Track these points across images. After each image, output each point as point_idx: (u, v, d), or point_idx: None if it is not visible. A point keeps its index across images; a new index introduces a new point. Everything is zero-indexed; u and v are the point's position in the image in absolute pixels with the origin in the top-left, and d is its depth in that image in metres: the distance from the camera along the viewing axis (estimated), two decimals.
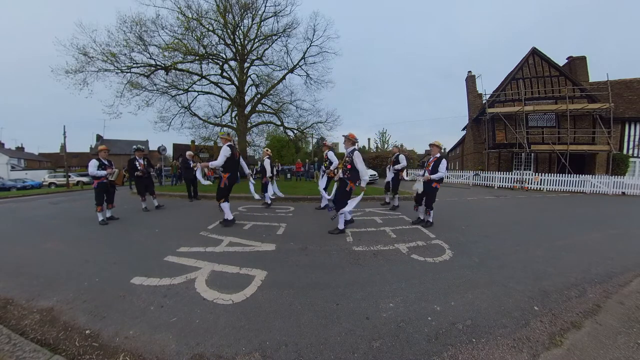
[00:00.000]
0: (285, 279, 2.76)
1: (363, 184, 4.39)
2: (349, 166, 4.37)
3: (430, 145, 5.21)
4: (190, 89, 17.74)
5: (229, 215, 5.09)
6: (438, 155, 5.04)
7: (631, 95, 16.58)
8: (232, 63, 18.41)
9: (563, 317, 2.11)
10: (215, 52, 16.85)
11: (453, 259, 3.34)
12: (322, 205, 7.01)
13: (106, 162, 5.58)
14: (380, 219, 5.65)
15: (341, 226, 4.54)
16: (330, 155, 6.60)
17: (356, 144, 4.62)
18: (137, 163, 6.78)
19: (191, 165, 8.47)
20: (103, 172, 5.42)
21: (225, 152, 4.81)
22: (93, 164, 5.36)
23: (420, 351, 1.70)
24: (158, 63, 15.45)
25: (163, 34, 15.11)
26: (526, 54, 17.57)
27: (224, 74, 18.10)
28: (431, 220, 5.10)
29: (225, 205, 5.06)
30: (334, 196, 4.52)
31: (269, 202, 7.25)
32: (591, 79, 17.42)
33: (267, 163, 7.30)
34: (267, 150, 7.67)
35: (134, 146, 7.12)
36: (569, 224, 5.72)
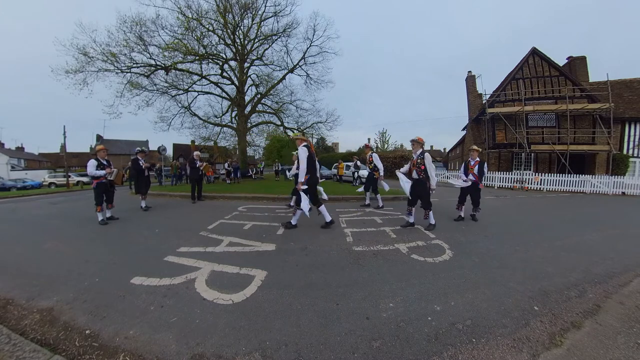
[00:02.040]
0: (285, 279, 2.76)
1: (433, 184, 4.65)
2: (422, 167, 4.69)
3: (470, 149, 5.74)
4: (190, 89, 17.76)
5: (327, 217, 4.79)
6: (478, 159, 5.56)
7: (631, 95, 16.57)
8: (232, 63, 18.44)
9: (563, 317, 2.10)
10: (215, 52, 16.86)
11: (453, 259, 3.34)
12: (367, 202, 7.42)
13: (105, 162, 5.58)
14: (380, 219, 5.65)
15: (433, 221, 4.88)
16: (375, 158, 6.89)
17: (424, 145, 4.94)
18: (141, 163, 6.96)
19: (197, 165, 8.49)
20: (102, 172, 5.42)
21: (304, 153, 4.45)
22: (92, 164, 5.36)
23: (420, 351, 1.70)
24: (158, 63, 15.46)
25: (163, 34, 15.15)
26: (526, 54, 17.57)
27: (224, 74, 18.11)
28: (475, 215, 5.59)
29: (322, 209, 4.77)
30: (413, 197, 4.88)
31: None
32: (591, 79, 17.43)
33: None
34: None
35: (137, 148, 7.38)
36: (569, 223, 5.72)
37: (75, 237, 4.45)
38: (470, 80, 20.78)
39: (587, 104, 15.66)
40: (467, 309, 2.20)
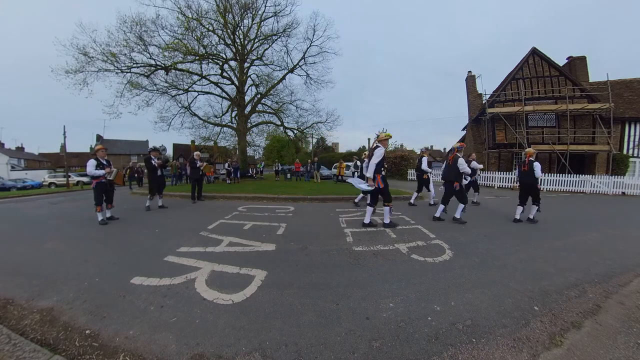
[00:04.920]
0: (285, 279, 2.76)
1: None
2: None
3: (526, 152, 5.98)
4: (190, 89, 17.75)
5: (386, 219, 4.97)
6: (532, 158, 5.78)
7: (631, 95, 16.57)
8: (232, 63, 18.43)
9: (563, 317, 2.10)
10: (215, 52, 16.86)
11: (453, 259, 3.34)
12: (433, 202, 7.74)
13: (104, 162, 5.57)
14: (380, 219, 5.64)
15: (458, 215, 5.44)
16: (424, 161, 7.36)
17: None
18: (153, 162, 6.98)
19: (198, 165, 8.48)
20: (101, 172, 5.40)
21: (380, 154, 4.69)
22: (91, 164, 5.34)
23: (420, 351, 1.70)
24: (158, 63, 15.46)
25: (163, 34, 15.15)
26: (526, 54, 17.56)
27: (224, 74, 18.11)
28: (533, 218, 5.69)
29: (387, 209, 4.94)
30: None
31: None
32: (591, 79, 17.41)
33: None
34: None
35: (151, 146, 7.55)
36: (569, 223, 5.72)
37: (75, 237, 4.45)
38: (470, 80, 20.76)
39: (587, 104, 15.65)
40: (467, 309, 2.20)
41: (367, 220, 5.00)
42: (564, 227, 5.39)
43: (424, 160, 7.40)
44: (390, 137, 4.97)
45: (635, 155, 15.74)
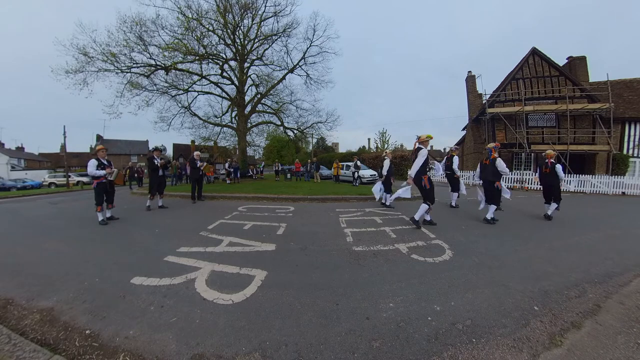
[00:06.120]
0: (285, 279, 2.76)
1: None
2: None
3: (546, 154, 6.30)
4: (190, 89, 17.75)
5: (426, 217, 5.15)
6: (553, 160, 6.07)
7: (631, 95, 16.56)
8: (232, 63, 18.43)
9: (563, 317, 2.10)
10: (215, 52, 16.85)
11: (453, 259, 3.34)
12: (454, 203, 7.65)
13: (105, 162, 5.57)
14: (380, 219, 5.65)
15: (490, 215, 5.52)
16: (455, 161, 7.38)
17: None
18: (155, 161, 6.99)
19: (198, 165, 8.48)
20: (102, 172, 5.41)
21: (424, 154, 4.83)
22: (92, 164, 5.35)
23: (420, 351, 1.70)
24: (158, 63, 15.45)
25: (163, 34, 15.13)
26: (526, 54, 17.56)
27: (224, 74, 18.11)
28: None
29: (425, 208, 4.99)
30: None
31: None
32: (591, 79, 17.41)
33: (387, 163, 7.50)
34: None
35: (154, 146, 7.53)
36: (569, 223, 5.71)
37: (75, 237, 4.45)
38: (470, 81, 20.76)
39: (587, 104, 15.65)
40: (467, 309, 2.20)
41: (428, 218, 5.18)
42: (564, 227, 5.39)
43: (456, 159, 7.31)
44: (432, 137, 5.02)
45: (635, 155, 15.74)
